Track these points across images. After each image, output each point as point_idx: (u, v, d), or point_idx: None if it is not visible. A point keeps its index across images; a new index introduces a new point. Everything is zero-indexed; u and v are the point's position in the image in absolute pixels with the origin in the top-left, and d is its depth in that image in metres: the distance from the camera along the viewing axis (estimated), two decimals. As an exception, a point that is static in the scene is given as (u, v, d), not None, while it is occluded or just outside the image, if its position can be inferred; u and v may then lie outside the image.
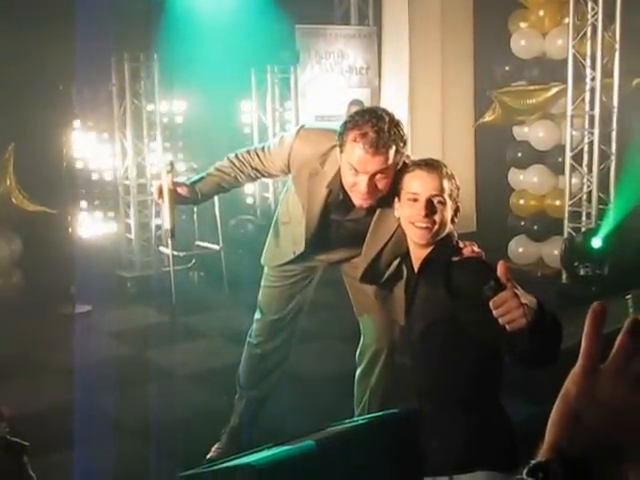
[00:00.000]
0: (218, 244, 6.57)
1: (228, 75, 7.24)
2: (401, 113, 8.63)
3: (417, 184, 2.44)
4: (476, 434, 2.33)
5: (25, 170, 6.29)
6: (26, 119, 6.23)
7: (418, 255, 2.46)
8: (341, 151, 2.80)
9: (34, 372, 4.98)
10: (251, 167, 3.30)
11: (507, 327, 1.97)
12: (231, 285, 6.49)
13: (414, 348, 2.51)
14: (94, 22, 6.17)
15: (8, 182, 6.24)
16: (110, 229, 6.95)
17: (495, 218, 7.50)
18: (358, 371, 3.80)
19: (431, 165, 2.48)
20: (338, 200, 3.02)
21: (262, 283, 3.73)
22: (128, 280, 6.69)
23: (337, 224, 3.19)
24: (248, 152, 3.33)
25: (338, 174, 2.91)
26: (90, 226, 6.98)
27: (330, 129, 3.03)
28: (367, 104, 7.95)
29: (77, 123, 6.94)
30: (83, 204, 7.08)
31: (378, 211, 2.95)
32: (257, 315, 3.77)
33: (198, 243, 6.75)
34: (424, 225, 2.40)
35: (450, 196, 2.45)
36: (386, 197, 2.79)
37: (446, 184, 2.44)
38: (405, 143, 2.78)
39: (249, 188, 7.84)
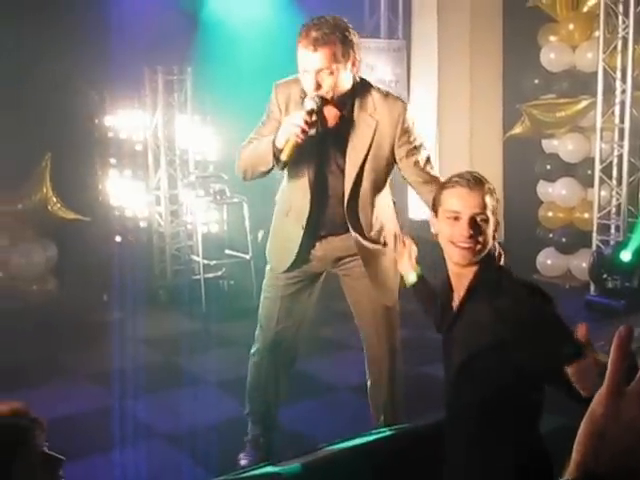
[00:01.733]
0: (248, 253, 6.65)
1: (260, 87, 7.31)
2: (430, 126, 8.68)
3: (458, 202, 2.29)
4: (514, 465, 2.23)
5: (61, 179, 6.42)
6: (62, 129, 6.36)
7: (458, 275, 2.32)
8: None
9: (67, 378, 5.06)
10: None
11: (582, 393, 1.90)
12: (260, 294, 6.56)
13: (452, 373, 2.37)
14: (129, 34, 6.31)
15: (44, 190, 6.39)
16: (142, 238, 7.06)
17: (523, 230, 7.51)
18: (368, 384, 3.77)
19: (473, 180, 2.32)
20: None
21: (262, 295, 3.62)
22: (160, 288, 6.79)
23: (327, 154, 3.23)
24: (256, 132, 3.35)
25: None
26: (124, 234, 7.09)
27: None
28: (396, 117, 8.02)
29: (111, 134, 7.07)
30: (117, 213, 7.21)
31: (352, 128, 3.15)
32: (257, 331, 3.67)
33: (228, 252, 6.83)
34: (467, 245, 2.26)
35: (492, 212, 2.30)
36: (352, 110, 3.11)
37: (488, 200, 2.29)
38: (354, 49, 3.02)
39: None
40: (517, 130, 7.51)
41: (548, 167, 7.43)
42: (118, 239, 7.15)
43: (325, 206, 3.32)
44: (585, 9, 7.10)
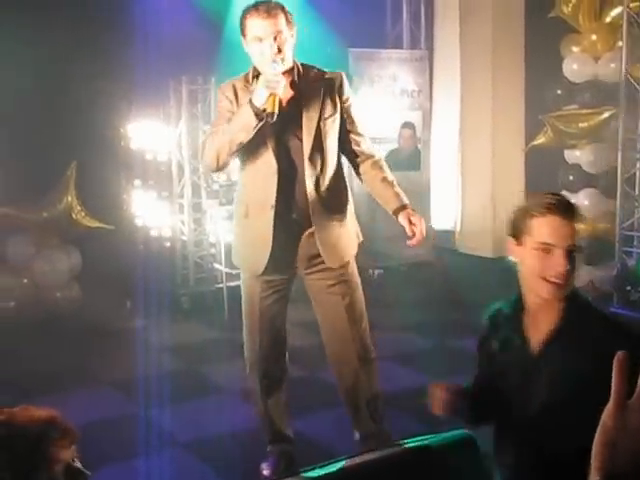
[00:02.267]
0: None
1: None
2: (452, 136, 8.70)
3: (552, 233, 2.06)
4: None
5: (85, 187, 6.49)
6: (88, 139, 6.44)
7: (540, 311, 2.13)
8: (245, 37, 3.26)
9: (90, 385, 5.10)
10: None
11: None
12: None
13: (533, 420, 2.14)
14: (155, 45, 6.37)
15: (69, 199, 6.45)
16: (165, 246, 7.11)
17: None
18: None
19: (565, 207, 2.09)
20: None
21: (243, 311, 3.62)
22: (182, 296, 6.83)
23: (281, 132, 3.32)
24: (213, 126, 3.51)
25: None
26: (147, 242, 7.15)
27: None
28: (418, 126, 8.05)
29: (136, 143, 7.13)
30: (140, 221, 7.27)
31: (302, 100, 3.32)
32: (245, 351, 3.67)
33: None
34: (560, 281, 2.06)
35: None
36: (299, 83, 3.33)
37: (578, 228, 2.10)
38: (293, 22, 3.30)
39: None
40: (539, 141, 7.49)
41: (570, 178, 7.40)
42: (141, 247, 7.21)
43: (290, 180, 3.36)
44: (608, 19, 7.08)
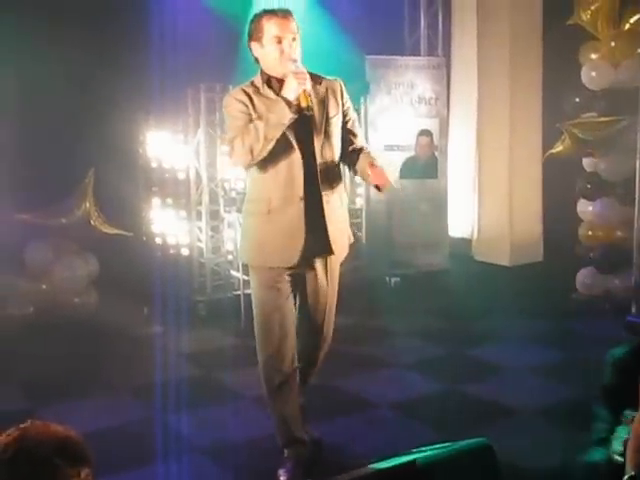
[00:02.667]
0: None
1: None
2: (469, 143, 8.69)
3: None
4: None
5: (104, 194, 6.54)
6: (107, 146, 6.48)
7: None
8: (260, 39, 3.49)
9: (107, 391, 5.13)
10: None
11: None
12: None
13: None
14: (172, 52, 6.41)
15: (87, 205, 6.49)
16: (182, 253, 7.14)
17: (563, 249, 7.47)
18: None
19: None
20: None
21: (258, 309, 3.71)
22: (199, 303, 6.85)
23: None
24: (235, 128, 3.55)
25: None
26: (164, 249, 7.18)
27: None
28: (436, 134, 8.05)
29: (154, 151, 7.17)
30: (158, 227, 7.30)
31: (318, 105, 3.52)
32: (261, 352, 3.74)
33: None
34: None
35: None
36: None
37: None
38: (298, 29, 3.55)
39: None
40: (558, 149, 7.46)
41: (588, 186, 7.37)
42: (159, 254, 7.24)
43: (309, 174, 3.53)
44: (627, 26, 7.05)
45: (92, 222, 6.52)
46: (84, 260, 6.57)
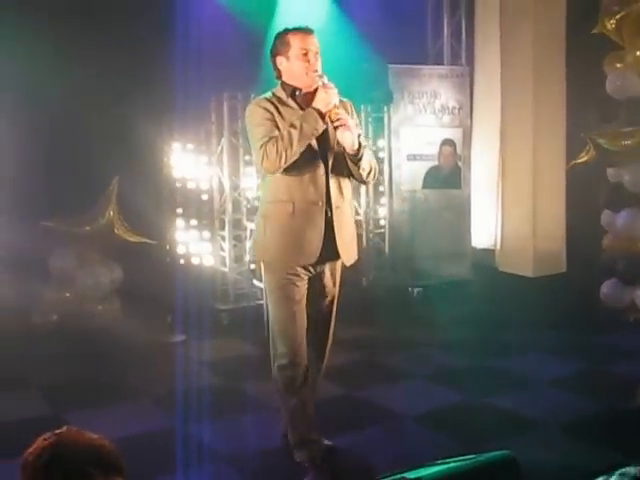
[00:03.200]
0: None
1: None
2: (492, 153, 8.66)
3: None
4: None
5: (127, 202, 6.57)
6: (131, 154, 6.53)
7: None
8: (285, 53, 3.70)
9: (130, 399, 5.14)
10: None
11: None
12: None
13: None
14: (196, 62, 6.45)
15: (111, 213, 6.54)
16: (207, 262, 7.16)
17: (587, 260, 7.42)
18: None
19: None
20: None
21: (279, 300, 3.84)
22: (222, 312, 6.86)
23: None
24: (264, 134, 3.69)
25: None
26: (187, 258, 7.21)
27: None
28: (459, 144, 8.04)
29: (177, 160, 7.21)
30: (181, 236, 7.33)
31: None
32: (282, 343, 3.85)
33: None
34: None
35: None
36: None
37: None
38: None
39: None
40: (582, 159, 7.42)
41: (613, 196, 7.32)
42: (182, 262, 7.26)
43: (327, 181, 3.76)
44: (653, 36, 7.01)
45: (116, 230, 6.56)
46: (108, 268, 6.62)
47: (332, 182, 3.75)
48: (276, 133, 3.62)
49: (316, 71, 3.68)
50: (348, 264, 3.96)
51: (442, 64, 8.68)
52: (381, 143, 7.99)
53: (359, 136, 3.69)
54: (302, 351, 3.84)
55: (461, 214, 8.12)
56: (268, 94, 3.78)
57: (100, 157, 6.29)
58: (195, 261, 7.21)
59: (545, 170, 8.26)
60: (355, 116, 3.90)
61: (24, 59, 6.11)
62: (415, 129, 7.97)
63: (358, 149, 3.67)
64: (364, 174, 3.79)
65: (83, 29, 6.33)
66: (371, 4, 7.75)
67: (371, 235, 8.04)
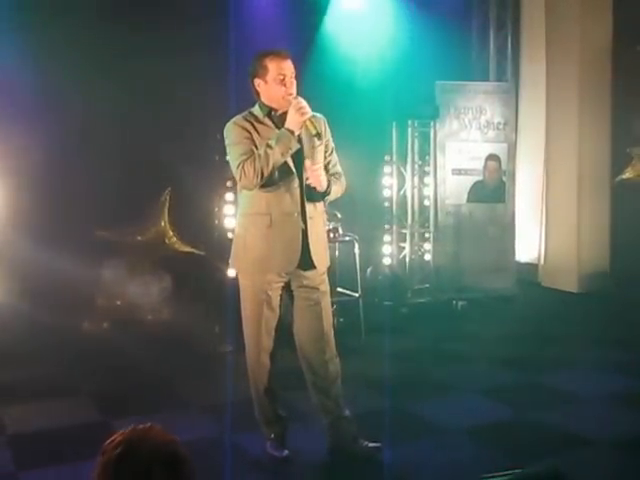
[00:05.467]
0: (357, 291, 6.75)
1: (372, 129, 7.52)
2: (537, 168, 8.67)
3: None
4: None
5: (179, 213, 6.69)
6: (183, 166, 6.64)
7: None
8: (263, 77, 3.85)
9: (178, 407, 5.20)
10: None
11: None
12: (368, 332, 6.67)
13: None
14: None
15: (162, 224, 6.67)
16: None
17: (632, 276, 7.39)
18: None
19: None
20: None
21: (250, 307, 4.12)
22: (268, 322, 6.92)
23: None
24: (242, 153, 3.87)
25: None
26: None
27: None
28: (504, 159, 8.07)
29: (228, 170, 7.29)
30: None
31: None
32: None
33: (339, 289, 6.92)
34: None
35: None
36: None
37: None
38: None
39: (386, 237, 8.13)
40: (628, 175, 7.42)
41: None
42: (230, 272, 7.33)
43: (301, 193, 3.97)
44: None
45: (167, 241, 6.69)
46: (158, 277, 6.74)
47: (307, 194, 3.96)
48: (253, 151, 3.82)
49: (291, 94, 3.86)
50: (321, 271, 4.12)
51: (488, 80, 8.72)
52: (427, 158, 8.05)
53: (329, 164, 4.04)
54: (269, 344, 4.18)
55: (505, 229, 8.14)
56: (245, 113, 3.99)
57: (153, 169, 6.42)
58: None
59: (590, 185, 8.26)
60: (328, 131, 4.11)
61: (77, 68, 6.24)
62: (460, 144, 8.02)
63: (327, 186, 3.96)
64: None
65: (140, 37, 6.44)
66: (419, 22, 7.84)
67: (416, 248, 8.09)
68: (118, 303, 6.64)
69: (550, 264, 8.49)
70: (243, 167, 3.81)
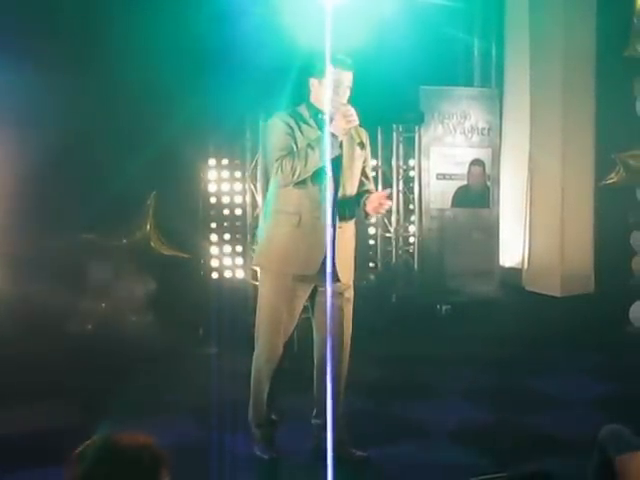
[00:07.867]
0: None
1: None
2: (521, 173, 8.71)
3: None
4: None
5: (164, 216, 6.69)
6: (168, 170, 6.64)
7: None
8: (320, 78, 3.90)
9: (162, 410, 5.20)
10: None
11: None
12: (352, 335, 6.67)
13: None
14: (235, 78, 6.55)
15: (148, 227, 6.67)
16: (238, 275, 7.26)
17: (616, 281, 7.45)
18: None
19: None
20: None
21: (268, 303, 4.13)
22: (254, 325, 6.90)
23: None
24: (281, 148, 3.94)
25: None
26: (221, 271, 7.31)
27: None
28: (488, 164, 8.12)
29: (213, 176, 7.33)
30: (215, 250, 7.43)
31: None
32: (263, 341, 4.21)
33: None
34: None
35: None
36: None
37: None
38: None
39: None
40: (612, 180, 7.47)
41: (643, 217, 7.36)
42: (215, 275, 7.34)
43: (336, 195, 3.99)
44: (684, 57, 7.06)
45: (152, 244, 6.69)
46: (142, 280, 6.73)
47: (340, 202, 3.95)
48: (293, 148, 3.86)
49: (342, 103, 3.90)
50: (346, 284, 4.14)
51: (472, 86, 8.76)
52: (411, 162, 8.09)
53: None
54: (281, 347, 4.17)
55: (489, 233, 8.18)
56: (290, 110, 4.03)
57: (138, 172, 6.40)
58: (228, 274, 7.30)
59: (573, 190, 8.30)
60: (368, 144, 4.13)
61: (62, 75, 6.25)
62: (445, 149, 8.06)
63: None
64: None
65: (121, 46, 6.45)
66: (403, 27, 7.85)
67: (400, 252, 8.12)
68: (103, 305, 6.63)
69: (533, 268, 8.53)
70: (281, 162, 3.84)
